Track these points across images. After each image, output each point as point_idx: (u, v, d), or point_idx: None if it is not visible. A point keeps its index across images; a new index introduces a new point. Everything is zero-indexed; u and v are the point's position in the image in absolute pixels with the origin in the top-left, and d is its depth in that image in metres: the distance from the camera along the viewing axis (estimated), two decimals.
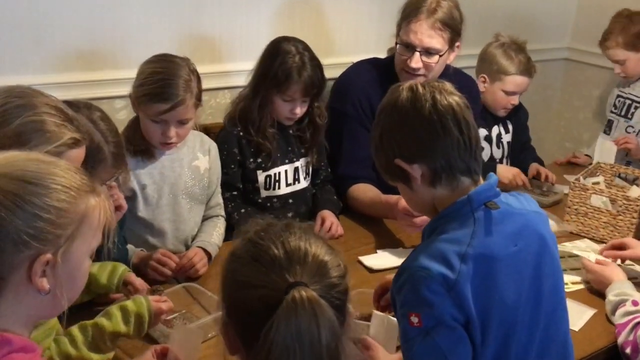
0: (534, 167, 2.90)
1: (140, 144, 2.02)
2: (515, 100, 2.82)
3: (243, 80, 2.53)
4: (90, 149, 1.52)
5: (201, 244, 2.05)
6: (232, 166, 2.30)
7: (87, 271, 1.14)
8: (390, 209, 2.17)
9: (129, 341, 1.59)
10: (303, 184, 2.44)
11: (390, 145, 1.44)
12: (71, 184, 1.07)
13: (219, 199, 2.24)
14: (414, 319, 1.31)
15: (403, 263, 1.40)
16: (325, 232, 2.25)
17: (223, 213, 2.24)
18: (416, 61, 2.36)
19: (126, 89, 2.03)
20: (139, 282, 1.72)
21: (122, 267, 1.72)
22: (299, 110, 2.29)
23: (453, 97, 1.42)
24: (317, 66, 2.28)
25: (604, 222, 2.36)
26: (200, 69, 2.06)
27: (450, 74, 2.43)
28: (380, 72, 2.52)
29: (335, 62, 2.72)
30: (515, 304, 1.37)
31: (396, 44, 2.43)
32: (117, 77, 2.30)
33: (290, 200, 2.41)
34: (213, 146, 2.23)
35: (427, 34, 2.35)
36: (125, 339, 1.55)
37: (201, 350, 1.47)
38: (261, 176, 2.34)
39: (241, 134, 2.29)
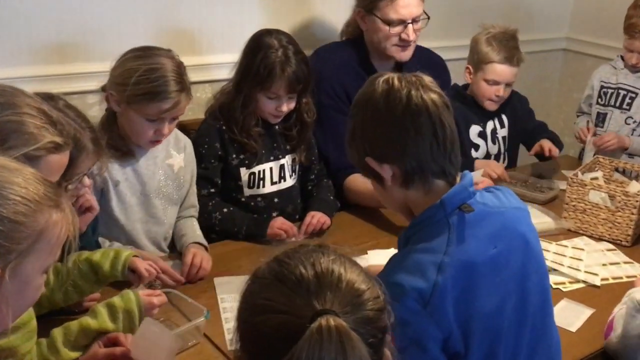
0: (537, 144, 2.93)
1: (120, 144, 2.00)
2: (500, 91, 2.77)
3: (225, 74, 2.53)
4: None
5: (192, 239, 2.07)
6: (212, 161, 2.29)
7: (39, 288, 1.11)
8: None
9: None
10: (289, 182, 2.43)
11: (361, 141, 1.43)
12: (32, 196, 1.05)
13: (194, 200, 2.24)
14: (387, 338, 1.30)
15: (379, 274, 1.36)
16: (305, 226, 2.26)
17: (197, 215, 2.24)
18: (412, 32, 2.50)
19: (99, 83, 2.02)
20: (144, 267, 1.70)
21: (125, 253, 1.71)
22: (285, 108, 2.27)
23: (430, 95, 1.39)
24: (303, 60, 2.26)
25: (602, 219, 2.37)
26: None
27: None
28: (350, 53, 2.59)
29: None
30: (498, 309, 1.36)
31: (375, 21, 2.50)
32: (89, 71, 2.30)
33: (276, 200, 2.40)
34: (188, 143, 2.22)
35: (414, 4, 2.50)
36: None
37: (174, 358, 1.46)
38: (244, 174, 2.33)
39: (224, 128, 2.28)
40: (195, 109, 2.58)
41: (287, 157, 2.42)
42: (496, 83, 2.76)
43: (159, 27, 2.46)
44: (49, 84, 2.19)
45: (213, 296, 1.89)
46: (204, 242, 2.09)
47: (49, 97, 1.63)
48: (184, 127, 2.33)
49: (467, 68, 2.81)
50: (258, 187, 2.36)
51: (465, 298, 1.31)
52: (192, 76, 2.17)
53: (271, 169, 2.37)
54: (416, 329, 1.29)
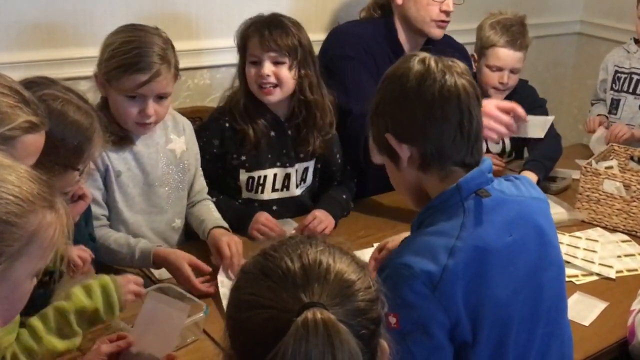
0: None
1: (115, 129, 1.96)
2: (503, 78, 2.72)
3: (224, 59, 2.53)
4: (82, 125, 1.55)
5: (213, 223, 2.06)
6: (207, 156, 2.25)
7: (28, 293, 1.08)
8: None
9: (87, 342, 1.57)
10: (294, 192, 2.36)
11: (385, 117, 1.44)
12: (25, 195, 1.02)
13: (202, 182, 2.22)
14: (392, 320, 1.29)
15: (388, 258, 1.39)
16: (305, 226, 2.21)
17: (209, 197, 2.22)
18: (452, 3, 2.52)
19: (91, 69, 2.00)
20: (76, 254, 1.64)
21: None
22: (268, 71, 2.16)
23: (463, 83, 1.40)
24: (292, 24, 2.20)
25: (617, 209, 2.36)
26: (175, 47, 2.02)
27: None
28: (375, 29, 2.57)
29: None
30: (509, 300, 1.36)
31: None
32: (81, 56, 2.28)
33: (275, 207, 2.34)
34: (187, 124, 2.20)
35: None
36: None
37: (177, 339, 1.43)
38: (243, 175, 2.29)
39: (227, 125, 2.25)
40: (193, 96, 2.58)
41: (297, 165, 2.34)
42: (499, 69, 2.71)
43: (154, 10, 2.44)
44: (37, 70, 2.14)
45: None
46: (225, 224, 2.08)
47: (50, 81, 1.63)
48: (183, 115, 2.29)
49: (473, 56, 2.80)
50: (257, 192, 2.31)
51: (476, 285, 1.32)
52: (190, 62, 2.19)
53: (275, 175, 2.32)
54: (422, 314, 1.29)
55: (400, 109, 1.42)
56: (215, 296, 1.86)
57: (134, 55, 1.88)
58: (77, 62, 2.29)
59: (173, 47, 1.98)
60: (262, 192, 2.32)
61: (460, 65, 1.43)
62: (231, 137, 2.25)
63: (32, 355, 1.43)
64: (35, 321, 1.46)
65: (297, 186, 2.36)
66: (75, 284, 1.55)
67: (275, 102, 2.23)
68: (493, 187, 1.41)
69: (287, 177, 2.34)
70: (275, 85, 2.19)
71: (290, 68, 2.19)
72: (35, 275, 1.08)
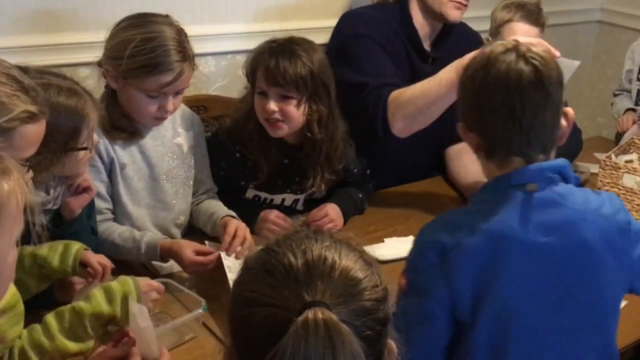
0: None
1: (125, 124, 1.95)
2: None
3: (230, 45, 2.51)
4: (70, 106, 1.56)
5: (224, 213, 2.06)
6: (214, 173, 2.22)
7: (14, 262, 1.10)
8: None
9: None
10: (299, 208, 2.35)
11: (459, 104, 1.51)
12: None
13: (211, 180, 2.21)
14: (402, 281, 1.41)
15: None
16: (313, 220, 2.17)
17: (216, 196, 2.21)
18: None
19: (91, 55, 1.97)
20: (96, 260, 1.65)
21: (75, 246, 1.65)
22: (273, 105, 2.07)
23: (523, 67, 1.39)
24: (304, 50, 2.09)
25: (637, 205, 2.34)
26: None
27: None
28: (389, 14, 2.55)
29: None
30: (519, 295, 1.37)
31: None
32: (81, 41, 2.25)
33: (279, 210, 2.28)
34: (196, 120, 2.18)
35: None
36: None
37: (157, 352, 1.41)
38: (250, 192, 2.26)
39: (237, 155, 2.18)
40: (197, 84, 2.56)
41: (307, 192, 2.31)
42: None
43: None
44: (36, 56, 2.16)
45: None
46: (235, 215, 2.06)
47: (23, 70, 1.62)
48: (186, 105, 2.28)
49: (487, 39, 2.78)
50: (261, 206, 2.27)
51: (488, 269, 1.35)
52: (194, 48, 2.15)
53: (283, 199, 2.30)
54: (426, 281, 1.38)
55: (462, 97, 1.50)
56: (217, 290, 1.83)
57: (156, 56, 1.85)
58: (77, 48, 2.26)
59: (186, 35, 1.96)
60: (267, 207, 2.27)
61: (534, 51, 1.42)
62: (241, 165, 2.20)
63: (42, 352, 1.43)
64: (50, 318, 1.45)
65: (303, 204, 2.35)
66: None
67: (283, 136, 2.16)
68: (552, 188, 1.42)
69: (296, 201, 2.33)
70: (283, 120, 2.11)
71: (298, 104, 2.09)
72: (15, 243, 1.08)
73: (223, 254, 1.88)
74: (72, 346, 1.45)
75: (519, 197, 1.40)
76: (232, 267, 1.85)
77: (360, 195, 2.36)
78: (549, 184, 1.42)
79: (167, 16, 1.96)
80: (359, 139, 2.35)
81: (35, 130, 1.39)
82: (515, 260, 1.36)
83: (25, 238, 1.16)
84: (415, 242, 1.44)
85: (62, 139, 1.59)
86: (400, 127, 2.27)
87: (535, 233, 1.38)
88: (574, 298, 1.42)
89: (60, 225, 1.75)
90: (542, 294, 1.39)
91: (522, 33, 2.62)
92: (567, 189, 1.45)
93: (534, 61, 1.40)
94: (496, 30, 2.71)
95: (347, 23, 2.55)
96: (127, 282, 1.51)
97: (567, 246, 1.40)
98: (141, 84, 1.88)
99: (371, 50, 2.44)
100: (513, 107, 1.38)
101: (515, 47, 1.42)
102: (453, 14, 2.52)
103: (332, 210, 2.22)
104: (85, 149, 1.65)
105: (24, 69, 1.60)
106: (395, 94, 2.28)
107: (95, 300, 1.47)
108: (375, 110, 2.29)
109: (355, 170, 2.36)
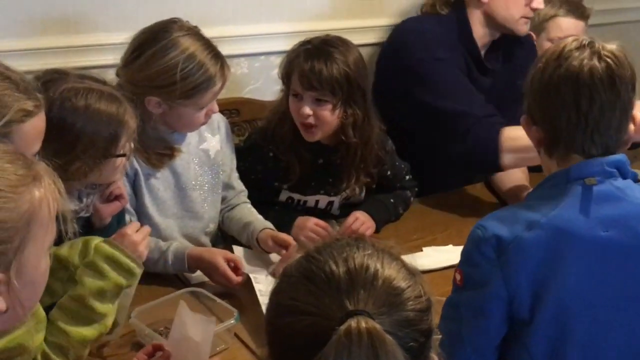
0: None
1: (161, 147, 1.97)
2: None
3: (263, 47, 2.49)
4: (111, 113, 1.60)
5: (262, 225, 2.07)
6: (247, 179, 2.24)
7: (47, 269, 1.10)
8: None
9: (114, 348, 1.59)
10: (335, 212, 2.35)
11: (526, 97, 1.51)
12: (5, 183, 1.00)
13: (240, 183, 2.21)
14: (457, 276, 1.44)
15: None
16: (346, 228, 2.16)
17: (248, 200, 2.21)
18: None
19: (118, 56, 1.95)
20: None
21: (95, 240, 1.63)
22: (308, 110, 2.08)
23: (595, 63, 1.40)
24: (339, 52, 2.10)
25: None
26: (209, 33, 1.99)
27: None
28: (447, 27, 2.53)
29: (384, 24, 2.68)
30: (576, 290, 1.37)
31: None
32: (107, 42, 2.23)
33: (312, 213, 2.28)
34: (223, 121, 2.18)
35: None
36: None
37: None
38: (283, 194, 2.28)
39: (270, 154, 2.20)
40: (229, 86, 2.49)
41: (342, 193, 2.31)
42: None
43: None
44: (63, 58, 2.16)
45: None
46: (272, 227, 2.07)
47: (63, 74, 1.63)
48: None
49: (529, 34, 2.73)
50: (295, 208, 2.28)
51: (548, 264, 1.36)
52: (226, 49, 2.16)
53: (317, 201, 2.30)
54: (482, 276, 1.39)
55: (531, 89, 1.49)
56: (249, 300, 1.83)
57: (203, 72, 1.88)
58: (103, 50, 2.25)
59: (210, 40, 1.96)
60: (300, 209, 2.29)
61: (609, 49, 1.43)
62: (275, 166, 2.21)
63: (63, 349, 1.44)
64: (54, 313, 1.45)
65: (338, 208, 2.34)
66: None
67: (317, 139, 2.17)
68: (611, 182, 1.42)
69: (330, 203, 2.32)
70: (317, 125, 2.12)
71: (334, 108, 2.09)
72: (47, 249, 1.08)
73: (253, 277, 1.89)
74: (88, 332, 1.46)
75: (577, 191, 1.40)
76: (263, 290, 1.85)
77: (392, 200, 2.35)
78: (608, 177, 1.42)
79: (174, 21, 1.93)
80: (413, 151, 2.42)
81: (35, 126, 1.37)
82: (576, 255, 1.37)
83: (57, 245, 1.16)
84: (470, 237, 1.44)
85: (101, 146, 1.62)
86: (510, 164, 2.35)
87: (596, 227, 1.38)
88: (635, 293, 1.41)
89: (91, 232, 1.75)
90: (603, 288, 1.39)
91: (569, 28, 2.62)
92: (626, 184, 1.44)
93: (608, 59, 1.41)
94: (540, 26, 2.68)
95: (416, 42, 2.50)
96: (97, 245, 1.52)
97: (627, 241, 1.40)
98: (197, 101, 1.91)
99: (451, 75, 2.44)
100: (580, 102, 1.39)
101: (591, 44, 1.43)
102: (524, 29, 2.53)
103: (361, 215, 2.22)
104: (123, 155, 1.67)
105: (65, 73, 1.62)
106: (512, 134, 2.28)
107: (87, 280, 1.47)
108: (488, 142, 2.31)
109: (389, 173, 2.35)
